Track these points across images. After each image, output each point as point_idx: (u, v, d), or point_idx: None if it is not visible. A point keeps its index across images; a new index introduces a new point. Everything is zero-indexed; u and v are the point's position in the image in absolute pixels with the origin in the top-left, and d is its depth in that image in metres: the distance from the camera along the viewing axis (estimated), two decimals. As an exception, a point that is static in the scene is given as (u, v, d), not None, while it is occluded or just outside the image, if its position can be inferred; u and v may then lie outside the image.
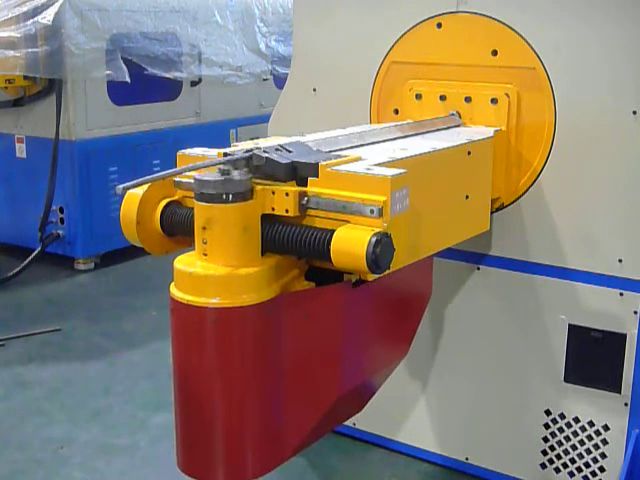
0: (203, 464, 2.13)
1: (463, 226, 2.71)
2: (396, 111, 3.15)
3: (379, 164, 2.11)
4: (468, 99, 2.95)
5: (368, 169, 2.02)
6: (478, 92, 2.95)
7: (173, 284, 2.06)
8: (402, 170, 2.01)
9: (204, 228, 2.00)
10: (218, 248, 1.99)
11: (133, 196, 2.20)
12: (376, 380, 2.49)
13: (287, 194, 2.01)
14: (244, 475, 2.12)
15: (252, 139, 2.46)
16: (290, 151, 2.11)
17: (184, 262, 2.04)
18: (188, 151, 2.28)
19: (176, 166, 2.25)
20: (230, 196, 1.96)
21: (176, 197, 2.26)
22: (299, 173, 2.05)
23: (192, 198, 2.20)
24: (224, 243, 1.99)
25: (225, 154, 2.11)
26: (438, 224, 2.47)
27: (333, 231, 1.95)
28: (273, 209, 2.03)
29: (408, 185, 2.01)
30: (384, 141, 2.58)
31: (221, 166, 1.99)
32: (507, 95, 2.89)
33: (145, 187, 2.20)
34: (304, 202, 2.03)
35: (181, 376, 2.12)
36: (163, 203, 2.24)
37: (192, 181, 2.06)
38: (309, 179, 2.04)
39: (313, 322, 2.11)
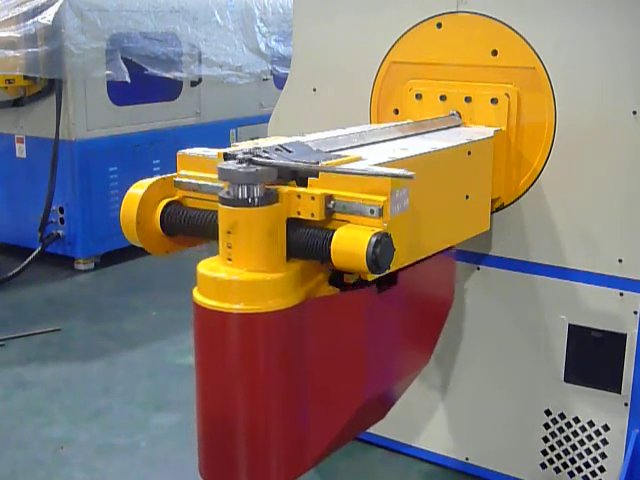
0: (226, 471, 2.08)
1: (463, 226, 2.70)
2: (396, 111, 3.15)
3: (379, 164, 2.11)
4: (468, 99, 2.95)
5: (368, 169, 2.02)
6: (478, 92, 2.94)
7: (196, 289, 2.02)
8: (403, 171, 2.00)
9: (229, 232, 1.96)
10: (243, 253, 1.97)
11: (133, 196, 2.20)
12: (399, 387, 2.47)
13: (313, 197, 1.97)
14: None
15: (252, 139, 2.45)
16: (290, 151, 2.11)
17: (208, 267, 2.00)
18: (188, 151, 2.28)
19: (176, 166, 2.25)
20: (256, 200, 1.94)
21: (176, 197, 2.26)
22: (299, 173, 2.04)
23: (193, 198, 2.19)
24: (249, 248, 1.96)
25: (225, 154, 2.11)
26: (438, 224, 2.46)
27: (333, 231, 1.94)
28: (299, 213, 1.99)
29: (408, 185, 2.00)
30: (384, 141, 2.58)
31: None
32: (507, 95, 2.89)
33: (145, 187, 2.20)
34: (330, 206, 1.99)
35: (204, 382, 2.08)
36: (163, 203, 2.23)
37: (192, 181, 2.05)
38: (309, 179, 2.03)
39: (338, 328, 2.09)
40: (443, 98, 3.00)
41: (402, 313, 2.32)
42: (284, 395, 2.03)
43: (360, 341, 2.15)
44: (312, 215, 1.98)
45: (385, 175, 1.94)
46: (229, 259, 1.98)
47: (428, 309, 2.55)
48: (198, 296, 2.00)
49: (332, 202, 1.98)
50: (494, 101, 2.91)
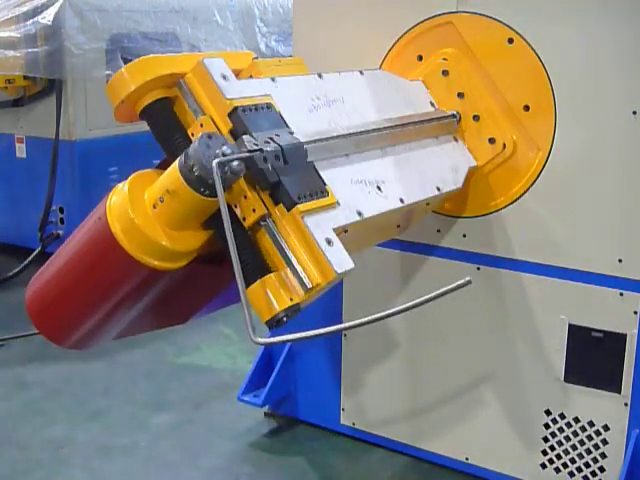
0: (42, 313, 2.40)
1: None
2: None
3: (344, 228, 2.17)
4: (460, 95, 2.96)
5: (328, 242, 2.06)
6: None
7: (116, 195, 2.16)
8: (351, 266, 2.07)
9: (168, 191, 2.05)
10: (167, 215, 2.08)
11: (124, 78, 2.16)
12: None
13: (254, 210, 2.06)
14: (61, 342, 2.49)
15: None
16: (286, 161, 2.10)
17: (136, 194, 2.11)
18: None
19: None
20: (207, 191, 2.01)
21: (170, 95, 2.22)
22: (279, 192, 2.07)
23: (185, 104, 2.19)
24: (174, 215, 2.08)
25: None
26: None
27: (265, 266, 2.06)
28: (236, 206, 2.08)
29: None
30: (373, 150, 2.54)
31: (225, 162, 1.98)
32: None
33: (142, 81, 2.15)
34: (262, 223, 2.08)
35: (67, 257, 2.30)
36: (156, 95, 2.19)
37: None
38: (281, 205, 2.07)
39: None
40: (445, 73, 2.98)
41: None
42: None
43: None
44: (243, 219, 2.08)
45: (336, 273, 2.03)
46: (154, 206, 2.09)
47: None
48: (112, 203, 2.15)
49: (264, 222, 2.07)
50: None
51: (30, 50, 5.42)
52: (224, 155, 1.97)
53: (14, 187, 6.05)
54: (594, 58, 2.77)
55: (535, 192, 2.93)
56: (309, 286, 2.03)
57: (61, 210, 5.80)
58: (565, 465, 3.08)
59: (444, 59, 2.98)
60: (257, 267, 2.07)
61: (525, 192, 2.95)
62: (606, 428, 2.96)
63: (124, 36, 5.88)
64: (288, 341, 1.99)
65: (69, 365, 4.40)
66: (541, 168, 2.90)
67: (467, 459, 3.27)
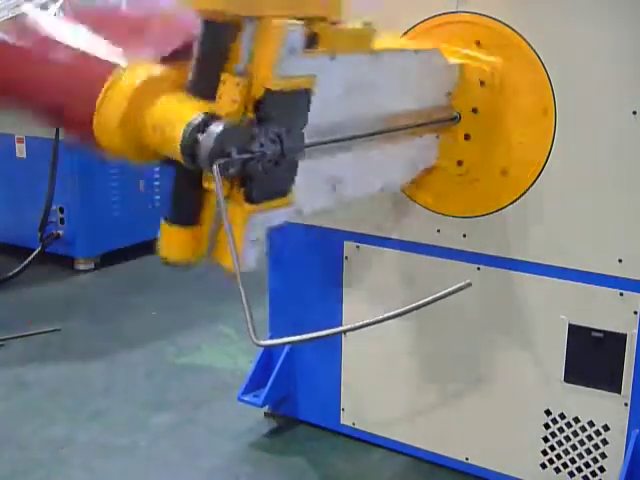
0: None
1: None
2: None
3: None
4: None
5: (253, 242, 2.12)
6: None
7: (117, 85, 2.11)
8: (250, 269, 2.12)
9: (163, 135, 2.03)
10: (146, 143, 2.08)
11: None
12: None
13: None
14: None
15: None
16: (278, 163, 2.11)
17: (134, 107, 2.08)
18: None
19: None
20: (194, 164, 2.00)
21: (235, 20, 2.03)
22: (248, 185, 2.07)
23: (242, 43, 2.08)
24: (151, 146, 2.08)
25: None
26: None
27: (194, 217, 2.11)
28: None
29: None
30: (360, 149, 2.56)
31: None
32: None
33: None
34: None
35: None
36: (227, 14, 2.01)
37: None
38: (243, 191, 2.07)
39: None
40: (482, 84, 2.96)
41: None
42: None
43: None
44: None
45: None
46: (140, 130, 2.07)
47: None
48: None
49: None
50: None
51: (30, 50, 5.41)
52: (229, 156, 1.95)
53: (14, 187, 6.05)
54: (594, 58, 2.77)
55: (535, 192, 2.93)
56: (211, 259, 2.12)
57: (61, 210, 5.80)
58: (565, 465, 3.08)
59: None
60: (187, 213, 2.12)
61: (525, 192, 2.95)
62: (606, 428, 2.96)
63: (124, 36, 5.87)
64: (289, 343, 1.98)
65: (69, 365, 4.40)
66: (541, 168, 2.90)
67: (467, 459, 3.27)
